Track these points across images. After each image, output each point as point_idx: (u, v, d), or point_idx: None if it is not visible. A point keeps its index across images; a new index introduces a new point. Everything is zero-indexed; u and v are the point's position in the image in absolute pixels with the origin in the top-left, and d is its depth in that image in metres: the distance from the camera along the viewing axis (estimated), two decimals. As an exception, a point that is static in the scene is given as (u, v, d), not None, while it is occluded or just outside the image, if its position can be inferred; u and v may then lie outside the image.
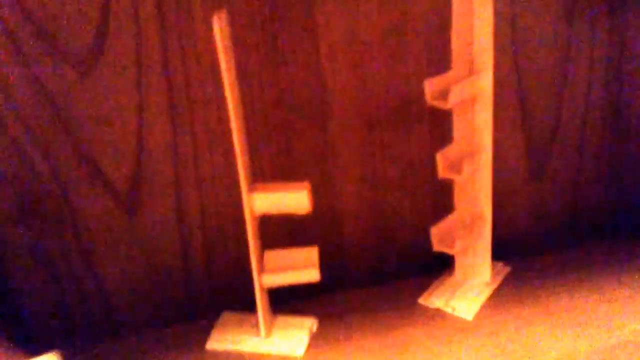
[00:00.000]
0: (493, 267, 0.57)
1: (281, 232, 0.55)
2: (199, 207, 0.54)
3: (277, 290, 0.52)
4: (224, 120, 0.50)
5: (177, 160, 0.52)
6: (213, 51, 0.45)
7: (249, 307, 0.53)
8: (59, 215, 0.52)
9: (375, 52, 0.53)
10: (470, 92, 0.50)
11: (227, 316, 0.54)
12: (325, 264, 0.51)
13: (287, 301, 0.54)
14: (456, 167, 0.51)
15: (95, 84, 0.49)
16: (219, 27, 0.43)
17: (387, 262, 0.59)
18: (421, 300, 0.55)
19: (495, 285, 0.56)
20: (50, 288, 0.53)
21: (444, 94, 0.49)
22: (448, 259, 0.57)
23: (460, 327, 0.52)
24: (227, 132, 0.48)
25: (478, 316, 0.53)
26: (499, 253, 0.57)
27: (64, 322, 0.55)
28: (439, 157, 0.50)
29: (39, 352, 0.49)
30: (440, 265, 0.58)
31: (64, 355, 0.50)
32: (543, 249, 0.61)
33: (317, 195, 0.52)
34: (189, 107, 0.51)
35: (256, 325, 0.52)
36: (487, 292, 0.55)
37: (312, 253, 0.51)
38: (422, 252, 0.56)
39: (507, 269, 0.58)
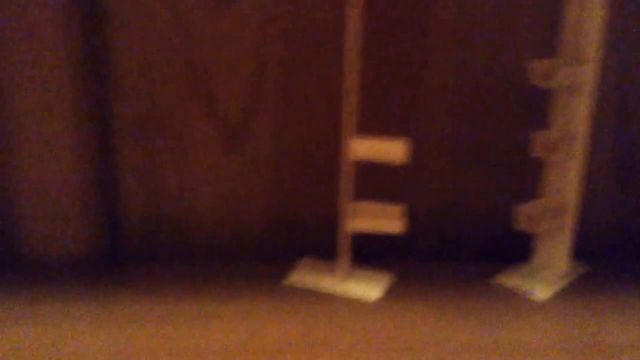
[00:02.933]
0: (572, 263, 0.57)
1: (370, 189, 0.57)
2: (298, 150, 0.57)
3: (357, 249, 0.54)
4: (334, 72, 0.54)
5: (285, 106, 0.56)
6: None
7: (330, 257, 0.55)
8: (170, 141, 0.56)
9: (483, 32, 0.56)
10: (574, 79, 0.52)
11: (307, 261, 0.56)
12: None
13: (364, 261, 0.56)
14: (550, 149, 0.53)
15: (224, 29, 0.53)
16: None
17: (463, 240, 0.61)
18: (496, 280, 0.56)
19: (572, 278, 0.57)
20: (150, 205, 0.57)
21: (547, 76, 0.51)
22: (524, 246, 0.58)
23: (532, 307, 0.53)
24: (334, 82, 0.51)
25: (552, 300, 0.54)
26: (580, 252, 0.58)
27: (159, 237, 0.58)
28: (534, 136, 0.52)
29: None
30: (516, 252, 0.59)
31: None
32: (625, 254, 0.61)
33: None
34: (306, 63, 0.55)
35: (335, 270, 0.54)
36: (563, 281, 0.56)
37: (397, 209, 0.53)
38: (498, 236, 0.57)
39: (586, 268, 0.58)
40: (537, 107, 0.57)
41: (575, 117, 0.53)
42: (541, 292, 0.54)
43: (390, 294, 0.53)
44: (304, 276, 0.54)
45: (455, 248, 0.61)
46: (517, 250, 0.58)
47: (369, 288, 0.53)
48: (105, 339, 0.46)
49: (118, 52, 0.53)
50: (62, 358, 0.44)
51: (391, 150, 0.51)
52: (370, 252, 0.56)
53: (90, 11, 0.52)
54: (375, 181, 0.57)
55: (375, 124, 0.56)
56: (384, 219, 0.52)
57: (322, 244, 0.56)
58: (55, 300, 0.51)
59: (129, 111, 0.55)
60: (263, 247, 0.59)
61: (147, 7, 0.52)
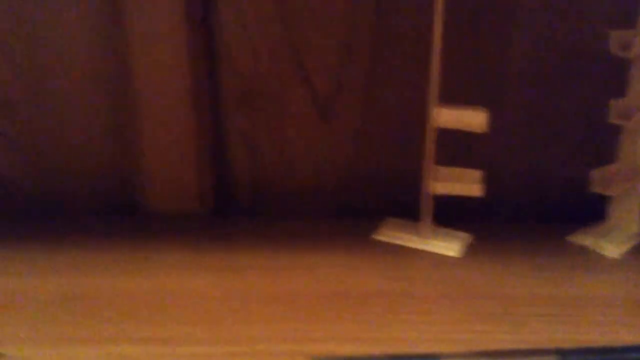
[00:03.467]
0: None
1: (451, 155, 0.62)
2: (382, 120, 0.62)
3: (440, 210, 0.59)
4: (420, 45, 0.59)
5: (373, 77, 0.61)
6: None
7: (415, 216, 0.61)
8: (271, 109, 0.62)
9: (565, 4, 0.59)
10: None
11: (393, 220, 0.62)
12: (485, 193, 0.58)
13: (447, 221, 0.61)
14: (626, 117, 0.56)
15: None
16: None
17: (540, 203, 0.65)
18: (570, 238, 0.60)
19: (644, 238, 0.60)
20: (253, 167, 0.64)
21: (625, 46, 0.54)
22: (599, 208, 0.61)
23: (604, 264, 0.57)
24: (420, 55, 0.56)
25: (622, 258, 0.58)
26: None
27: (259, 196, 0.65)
28: (611, 104, 0.56)
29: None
30: (591, 214, 0.62)
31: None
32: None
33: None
34: (393, 37, 0.59)
35: (419, 228, 0.59)
36: (634, 241, 0.59)
37: (477, 174, 0.58)
38: (575, 198, 0.61)
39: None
40: (615, 76, 0.59)
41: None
42: (613, 250, 0.58)
43: (470, 251, 0.58)
44: (391, 232, 0.60)
45: (534, 210, 0.65)
46: (592, 212, 0.62)
47: (449, 246, 0.58)
48: (211, 285, 0.53)
49: (227, 31, 0.60)
50: (172, 301, 0.51)
51: (473, 119, 0.55)
52: (452, 213, 0.61)
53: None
54: (461, 145, 0.61)
55: (460, 93, 0.60)
56: (464, 183, 0.57)
57: (407, 205, 0.62)
58: (169, 249, 0.58)
59: (236, 85, 0.61)
60: (353, 205, 0.65)
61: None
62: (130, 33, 0.58)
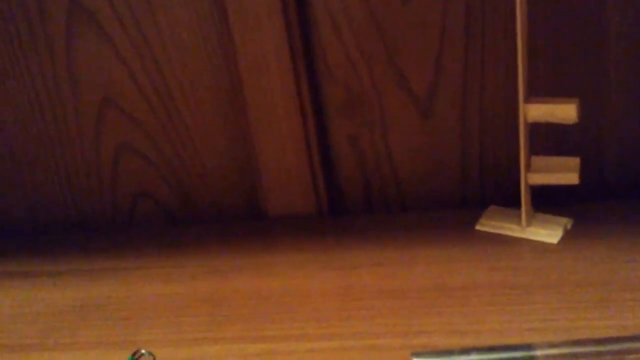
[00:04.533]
0: None
1: (548, 142, 0.64)
2: (480, 113, 0.65)
3: (538, 195, 0.61)
4: (508, 36, 0.61)
5: (465, 75, 0.63)
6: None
7: (513, 205, 0.63)
8: (371, 112, 0.66)
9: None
10: None
11: (493, 208, 0.65)
12: (584, 176, 0.59)
13: (545, 205, 0.63)
14: None
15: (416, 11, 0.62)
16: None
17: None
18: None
19: None
20: (359, 167, 0.69)
21: None
22: None
23: None
24: (510, 50, 0.58)
25: None
26: None
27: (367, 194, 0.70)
28: None
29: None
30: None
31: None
32: None
33: (583, 110, 0.59)
34: (481, 31, 0.62)
35: (518, 216, 0.61)
36: None
37: (574, 161, 0.59)
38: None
39: None
40: None
41: None
42: None
43: (570, 236, 0.60)
44: (491, 222, 0.63)
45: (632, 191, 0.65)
46: None
47: (550, 233, 0.60)
48: (324, 283, 0.58)
49: (327, 45, 0.64)
50: (296, 300, 0.57)
51: (563, 112, 0.57)
52: (554, 195, 0.63)
53: (301, 11, 0.63)
54: (561, 131, 0.63)
55: (556, 83, 0.63)
56: (561, 172, 0.59)
57: (509, 192, 0.64)
58: (289, 250, 0.64)
59: (337, 91, 0.66)
60: (454, 197, 0.68)
61: (344, 5, 0.63)
62: (240, 52, 0.64)
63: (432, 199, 0.68)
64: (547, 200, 0.62)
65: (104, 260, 0.66)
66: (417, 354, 0.48)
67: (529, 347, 0.47)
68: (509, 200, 0.64)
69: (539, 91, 0.60)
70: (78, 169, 0.72)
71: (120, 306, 0.59)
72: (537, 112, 0.57)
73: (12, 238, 0.74)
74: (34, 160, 0.72)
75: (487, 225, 0.63)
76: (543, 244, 0.60)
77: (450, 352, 0.47)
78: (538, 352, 0.46)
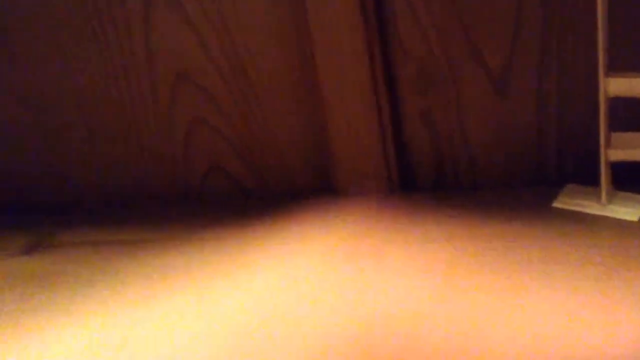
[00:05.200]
0: None
1: (629, 118, 0.62)
2: (557, 89, 0.63)
3: (620, 174, 0.60)
4: (588, 8, 0.59)
5: (543, 50, 0.62)
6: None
7: (591, 184, 0.62)
8: (445, 88, 0.65)
9: None
10: None
11: (571, 186, 0.64)
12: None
13: (623, 185, 0.62)
14: None
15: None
16: None
17: None
18: None
19: None
20: (432, 145, 0.68)
21: None
22: None
23: None
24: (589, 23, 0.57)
25: None
26: None
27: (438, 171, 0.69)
28: None
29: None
30: None
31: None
32: None
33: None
34: (560, 4, 0.61)
35: (598, 194, 0.60)
36: None
37: (657, 138, 0.58)
38: None
39: None
40: None
41: None
42: None
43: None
44: (569, 200, 0.62)
45: None
46: None
47: (630, 210, 0.59)
48: (399, 253, 0.58)
49: (400, 19, 0.64)
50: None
51: (646, 86, 0.55)
52: (633, 175, 0.61)
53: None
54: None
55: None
56: (641, 148, 0.57)
57: (587, 171, 0.63)
58: (356, 224, 0.64)
59: (410, 67, 0.65)
60: (532, 174, 0.67)
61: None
62: (313, 27, 0.64)
63: (508, 177, 0.67)
64: (628, 180, 0.61)
65: (178, 230, 0.67)
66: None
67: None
68: (586, 180, 0.63)
69: (619, 66, 0.59)
70: (151, 141, 0.73)
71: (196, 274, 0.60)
72: (618, 86, 0.56)
73: (82, 208, 0.75)
74: (107, 130, 0.73)
75: (566, 202, 0.62)
76: (624, 221, 0.58)
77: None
78: None
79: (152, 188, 0.75)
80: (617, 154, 0.58)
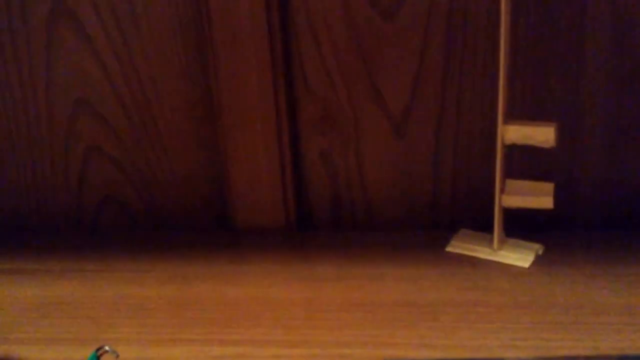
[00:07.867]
0: None
1: (523, 167, 0.64)
2: (454, 135, 0.65)
3: (511, 222, 0.61)
4: (488, 58, 0.61)
5: (442, 96, 0.64)
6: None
7: (484, 230, 0.63)
8: (346, 129, 0.66)
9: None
10: None
11: (464, 231, 0.65)
12: (557, 201, 0.59)
13: (516, 233, 0.63)
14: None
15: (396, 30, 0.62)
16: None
17: (618, 210, 0.66)
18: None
19: None
20: (330, 184, 0.68)
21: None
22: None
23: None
24: (489, 72, 0.59)
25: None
26: None
27: (335, 211, 0.69)
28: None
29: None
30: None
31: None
32: None
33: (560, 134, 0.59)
34: (460, 53, 0.62)
35: (490, 240, 0.61)
36: None
37: (548, 186, 0.60)
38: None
39: None
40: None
41: None
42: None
43: (541, 261, 0.60)
44: (462, 244, 0.63)
45: (607, 218, 0.66)
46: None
47: (520, 257, 0.60)
48: (293, 294, 0.57)
49: (304, 59, 0.64)
50: (258, 308, 0.55)
51: (541, 135, 0.57)
52: (525, 223, 0.63)
53: (283, 25, 0.63)
54: (536, 156, 0.63)
55: (533, 108, 0.63)
56: (535, 196, 0.59)
57: (480, 216, 0.64)
58: (256, 260, 0.63)
59: (314, 107, 0.66)
60: (424, 219, 0.68)
61: (326, 22, 0.63)
62: (220, 63, 0.63)
63: (402, 219, 0.68)
64: (518, 228, 0.63)
65: (68, 261, 0.64)
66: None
67: (500, 361, 0.46)
68: (479, 226, 0.64)
69: (515, 114, 0.61)
70: (45, 169, 0.70)
71: (83, 305, 0.57)
72: (516, 134, 0.58)
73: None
74: (1, 156, 0.70)
75: (458, 247, 0.63)
76: (514, 267, 0.59)
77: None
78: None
79: (45, 218, 0.72)
80: (511, 200, 0.59)
